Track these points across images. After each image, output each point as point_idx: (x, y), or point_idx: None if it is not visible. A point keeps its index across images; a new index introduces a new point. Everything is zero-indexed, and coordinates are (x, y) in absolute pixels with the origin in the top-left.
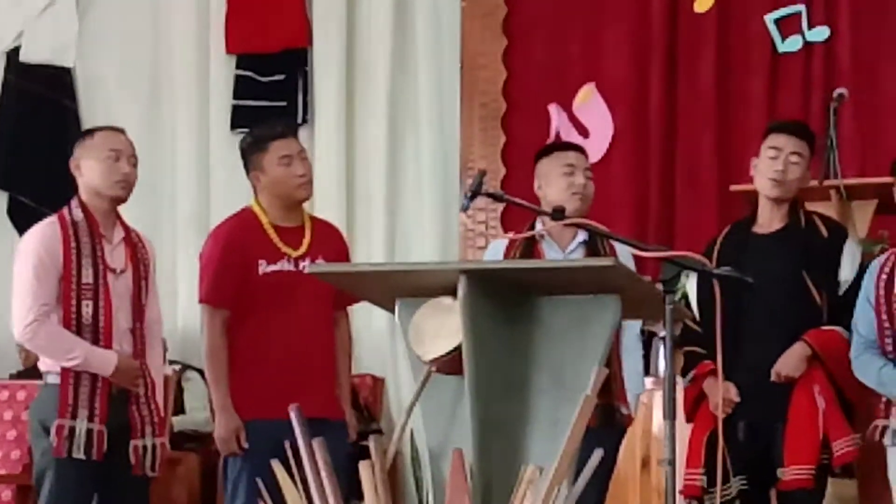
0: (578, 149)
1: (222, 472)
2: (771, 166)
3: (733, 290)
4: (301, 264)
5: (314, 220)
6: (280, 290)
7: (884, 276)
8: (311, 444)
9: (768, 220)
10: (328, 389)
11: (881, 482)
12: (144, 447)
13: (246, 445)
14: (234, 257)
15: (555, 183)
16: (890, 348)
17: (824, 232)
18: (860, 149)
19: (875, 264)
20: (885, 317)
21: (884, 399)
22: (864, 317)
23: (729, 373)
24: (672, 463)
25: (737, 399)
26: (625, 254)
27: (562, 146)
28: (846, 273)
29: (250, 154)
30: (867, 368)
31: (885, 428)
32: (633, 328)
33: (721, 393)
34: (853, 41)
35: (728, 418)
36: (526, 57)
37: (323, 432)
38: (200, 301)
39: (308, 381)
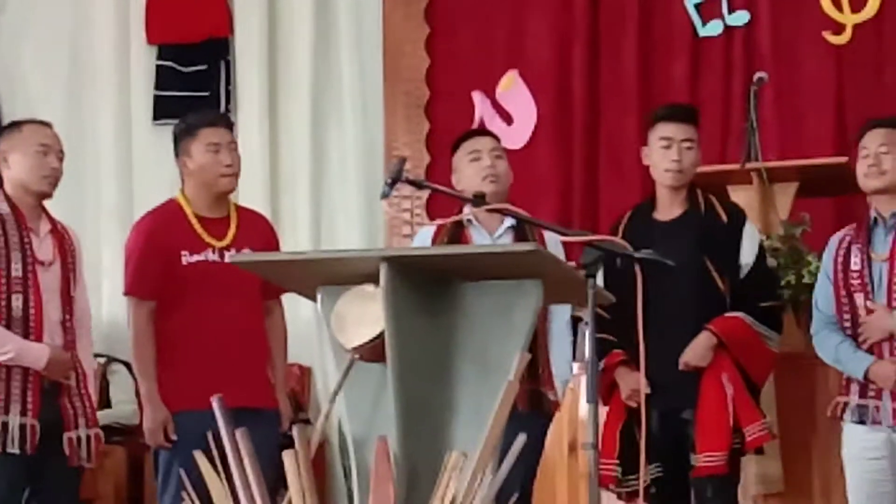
0: (484, 133)
1: (153, 465)
2: (666, 156)
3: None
4: (227, 254)
5: (241, 210)
6: (205, 281)
7: (842, 252)
8: (235, 435)
9: (668, 206)
10: (259, 379)
11: (806, 461)
12: (79, 438)
13: (174, 437)
14: (156, 248)
15: (465, 172)
16: (848, 324)
17: (724, 216)
18: (781, 132)
19: (833, 240)
20: (843, 292)
21: (844, 376)
22: (822, 293)
23: (638, 361)
24: (595, 447)
25: (647, 390)
26: (554, 239)
27: (467, 135)
28: (746, 257)
29: (181, 139)
30: (825, 345)
31: (845, 404)
32: (562, 314)
33: (640, 382)
34: (773, 25)
35: (639, 406)
36: (449, 44)
37: (254, 422)
38: (125, 293)
39: (237, 371)
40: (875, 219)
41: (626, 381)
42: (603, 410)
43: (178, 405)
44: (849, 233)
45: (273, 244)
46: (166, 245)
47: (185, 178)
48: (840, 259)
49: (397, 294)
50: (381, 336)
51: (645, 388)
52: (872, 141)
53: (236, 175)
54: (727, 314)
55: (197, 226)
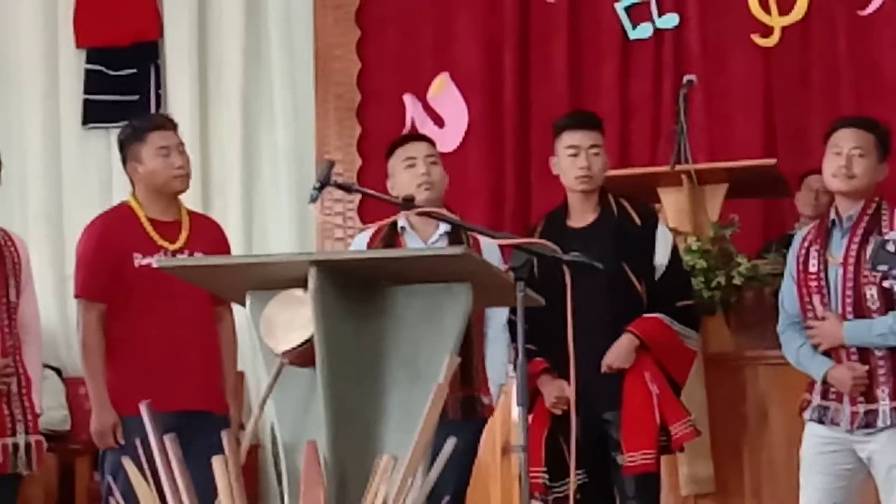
0: (419, 138)
1: (100, 466)
2: (574, 164)
3: (557, 284)
4: (178, 257)
5: (192, 214)
6: (156, 284)
7: (802, 253)
8: (163, 441)
9: (580, 212)
10: (210, 383)
11: (737, 461)
12: (16, 445)
13: (122, 440)
14: (108, 251)
15: (400, 178)
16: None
17: (637, 219)
18: (710, 133)
19: (797, 239)
20: (804, 292)
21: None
22: (787, 292)
23: (560, 368)
24: (526, 449)
25: (573, 396)
26: (491, 243)
27: (402, 140)
28: (660, 258)
29: (128, 145)
30: (788, 346)
31: (808, 402)
32: (498, 317)
33: (563, 388)
34: (702, 27)
35: (564, 414)
36: (379, 47)
37: (203, 426)
38: (76, 295)
39: (186, 375)
40: (833, 220)
41: (550, 388)
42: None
43: (127, 408)
44: (811, 232)
45: (224, 248)
46: (118, 247)
47: (135, 183)
48: (801, 259)
49: (326, 298)
50: (310, 340)
51: (572, 394)
52: (845, 141)
53: (188, 175)
54: (646, 315)
55: (149, 228)
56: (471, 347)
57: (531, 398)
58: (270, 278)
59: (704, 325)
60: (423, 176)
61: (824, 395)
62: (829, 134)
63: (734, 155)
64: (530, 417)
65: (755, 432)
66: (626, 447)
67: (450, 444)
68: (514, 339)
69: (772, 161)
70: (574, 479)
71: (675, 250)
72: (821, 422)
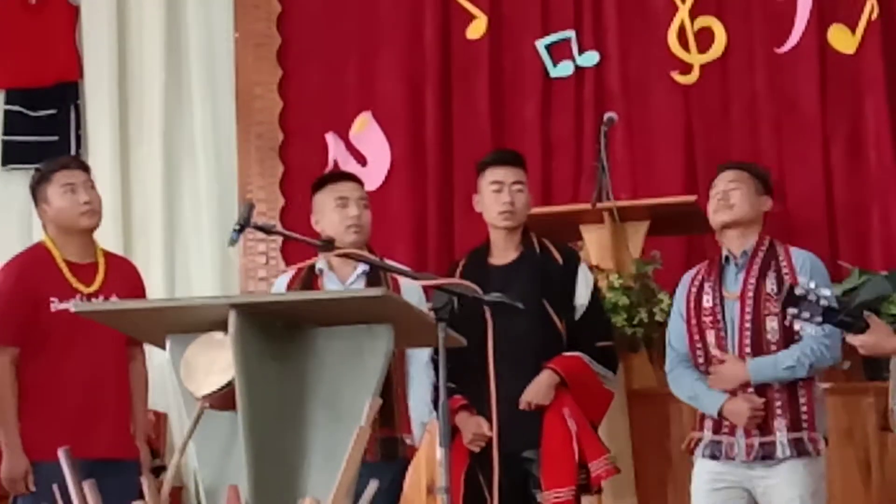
0: (351, 178)
1: None
2: (498, 200)
3: (478, 322)
4: (94, 301)
5: (109, 255)
6: (72, 328)
7: (694, 290)
8: (82, 487)
9: (503, 250)
10: (121, 428)
11: (661, 496)
12: None
13: (33, 488)
14: (23, 294)
15: (329, 216)
16: (701, 360)
17: (559, 258)
18: (632, 171)
19: (686, 278)
20: (695, 330)
21: (698, 412)
22: (675, 330)
23: (480, 405)
24: (448, 490)
25: (490, 434)
26: (411, 284)
27: (334, 178)
28: (581, 298)
29: (37, 188)
30: (680, 382)
31: (699, 440)
32: (421, 356)
33: (481, 425)
34: (622, 65)
35: (482, 451)
36: (301, 86)
37: (115, 473)
38: None
39: (100, 421)
40: (727, 257)
41: (467, 425)
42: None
43: (39, 454)
44: (701, 270)
45: (140, 291)
46: (35, 291)
47: (46, 226)
48: (692, 297)
49: (246, 341)
50: (230, 384)
51: (487, 431)
52: (722, 180)
53: (95, 212)
54: (566, 353)
55: (66, 271)
56: (391, 387)
57: (450, 435)
58: (190, 321)
59: (628, 362)
60: (355, 218)
61: (716, 430)
62: (711, 185)
63: (656, 192)
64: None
65: (679, 467)
66: (545, 484)
67: (372, 486)
68: (437, 377)
69: (692, 198)
70: None
71: (595, 291)
72: (714, 457)
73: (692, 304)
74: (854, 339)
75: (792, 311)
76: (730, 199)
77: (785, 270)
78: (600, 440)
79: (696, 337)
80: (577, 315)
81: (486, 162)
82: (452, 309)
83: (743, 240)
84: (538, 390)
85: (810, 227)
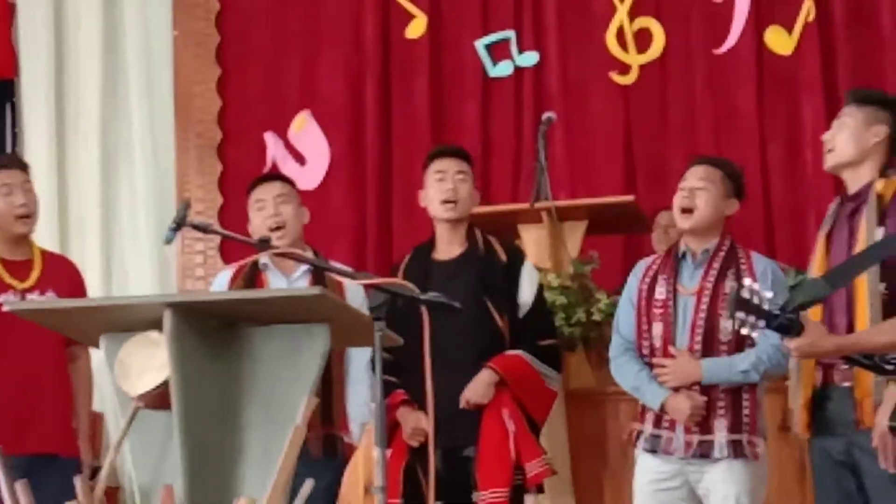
0: (270, 178)
1: None
2: (441, 188)
3: (418, 319)
4: (29, 297)
5: (46, 253)
6: (7, 324)
7: (647, 280)
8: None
9: (447, 245)
10: (60, 425)
11: (598, 496)
12: None
13: None
14: None
15: (253, 221)
16: (646, 352)
17: (503, 256)
18: (571, 170)
19: (641, 265)
20: (644, 320)
21: (640, 404)
22: (625, 318)
23: (421, 401)
24: (384, 489)
25: (430, 430)
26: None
27: (253, 184)
28: (525, 296)
29: None
30: (623, 371)
31: (639, 432)
32: (361, 355)
33: (421, 421)
34: (561, 65)
35: (422, 446)
36: (241, 85)
37: (51, 469)
38: None
39: (37, 417)
40: (684, 252)
41: (408, 420)
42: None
43: None
44: (657, 260)
45: (79, 288)
46: None
47: None
48: (645, 286)
49: (182, 340)
50: (165, 383)
51: (430, 429)
52: (692, 175)
53: (31, 215)
54: (508, 352)
55: None
56: (331, 386)
57: (391, 430)
58: (125, 321)
59: (565, 362)
60: (272, 217)
61: (657, 424)
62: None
63: (595, 192)
64: (389, 452)
65: (617, 467)
66: (480, 484)
67: (307, 486)
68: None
69: (630, 198)
70: None
71: (540, 289)
72: (653, 451)
73: (644, 294)
74: (789, 343)
75: (740, 314)
76: (694, 199)
77: (745, 274)
78: (537, 441)
79: (645, 327)
80: (521, 313)
81: (432, 155)
82: (395, 306)
83: (703, 238)
84: (477, 389)
85: (747, 228)
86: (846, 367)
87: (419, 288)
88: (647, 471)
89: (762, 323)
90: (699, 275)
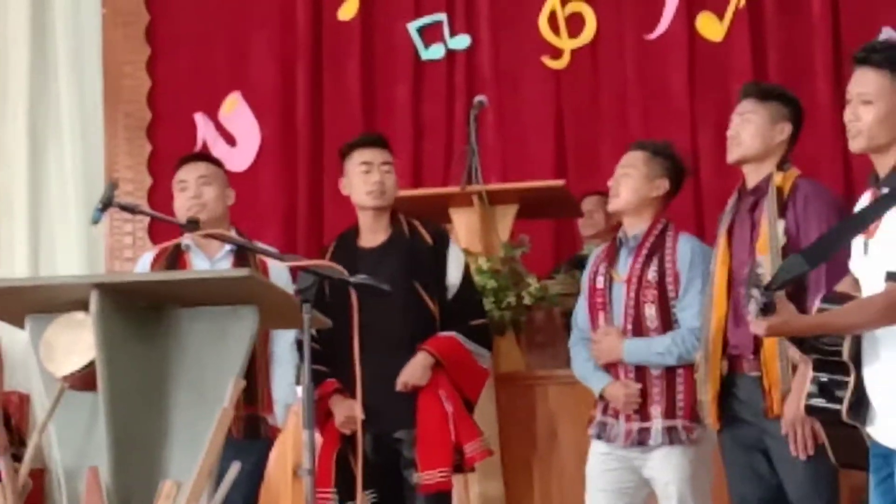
0: (193, 159)
1: None
2: (367, 180)
3: (348, 305)
4: None
5: None
6: None
7: (593, 269)
8: None
9: (372, 232)
10: None
11: (527, 480)
12: None
13: None
14: None
15: (176, 202)
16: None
17: (429, 239)
18: (503, 154)
19: (593, 255)
20: (592, 308)
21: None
22: (580, 308)
23: (352, 388)
24: (312, 472)
25: (361, 417)
26: (280, 265)
27: (177, 165)
28: (453, 277)
29: None
30: (576, 360)
31: (592, 418)
32: (285, 337)
33: (353, 408)
34: (493, 49)
35: (354, 433)
36: (171, 65)
37: None
38: None
39: None
40: (620, 239)
41: (340, 408)
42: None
43: None
44: (603, 250)
45: None
46: None
47: None
48: (592, 276)
49: (108, 321)
50: (91, 364)
51: (359, 414)
52: (621, 162)
53: None
54: (441, 334)
55: None
56: (255, 367)
57: (324, 418)
58: (51, 301)
59: (495, 345)
60: (193, 199)
61: (604, 411)
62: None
63: (526, 176)
64: (322, 439)
65: (545, 451)
66: (421, 465)
67: (234, 468)
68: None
69: (560, 182)
70: (361, 499)
71: (466, 270)
72: (600, 437)
73: (590, 285)
74: (762, 323)
75: (754, 293)
76: (618, 186)
77: (668, 259)
78: (475, 422)
79: (592, 316)
80: (450, 295)
81: (354, 144)
82: (323, 291)
83: (635, 223)
84: (414, 371)
85: (678, 213)
86: (753, 356)
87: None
88: (596, 455)
89: (763, 301)
90: (630, 261)
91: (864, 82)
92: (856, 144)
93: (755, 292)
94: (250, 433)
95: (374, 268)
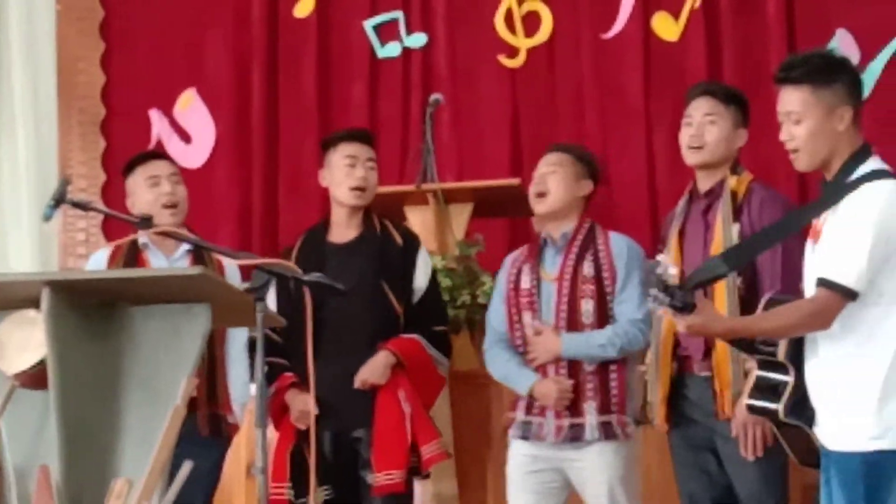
0: (161, 156)
1: None
2: (352, 175)
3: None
4: None
5: None
6: None
7: (514, 272)
8: None
9: (344, 228)
10: None
11: (480, 479)
12: None
13: None
14: None
15: (143, 197)
16: (519, 342)
17: (399, 240)
18: (459, 153)
19: (508, 260)
20: (514, 311)
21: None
22: (496, 310)
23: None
24: (265, 471)
25: (315, 412)
26: (235, 264)
27: (143, 158)
28: (420, 281)
29: None
30: (495, 361)
31: (513, 420)
32: (239, 336)
33: (308, 403)
34: (450, 47)
35: (309, 428)
36: (125, 61)
37: None
38: None
39: None
40: (545, 239)
41: (295, 403)
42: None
43: None
44: (522, 252)
45: None
46: None
47: None
48: (512, 278)
49: (60, 319)
50: (43, 362)
51: (314, 410)
52: (543, 163)
53: None
54: (404, 335)
55: None
56: (215, 365)
57: (280, 412)
58: (3, 298)
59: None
60: (169, 196)
61: (528, 411)
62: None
63: (482, 174)
64: (277, 434)
65: (499, 450)
66: (376, 466)
67: (186, 466)
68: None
69: (516, 181)
70: (314, 495)
71: (434, 275)
72: (525, 438)
73: (511, 286)
74: (681, 321)
75: (654, 292)
76: (546, 184)
77: (602, 255)
78: (433, 424)
79: (515, 317)
80: (415, 298)
81: (340, 136)
82: (287, 287)
83: (561, 223)
84: (374, 369)
85: (633, 213)
86: (703, 359)
87: (313, 270)
88: (519, 457)
89: (668, 300)
90: (559, 260)
91: (789, 101)
92: (800, 164)
93: (655, 292)
94: (213, 431)
95: (342, 264)
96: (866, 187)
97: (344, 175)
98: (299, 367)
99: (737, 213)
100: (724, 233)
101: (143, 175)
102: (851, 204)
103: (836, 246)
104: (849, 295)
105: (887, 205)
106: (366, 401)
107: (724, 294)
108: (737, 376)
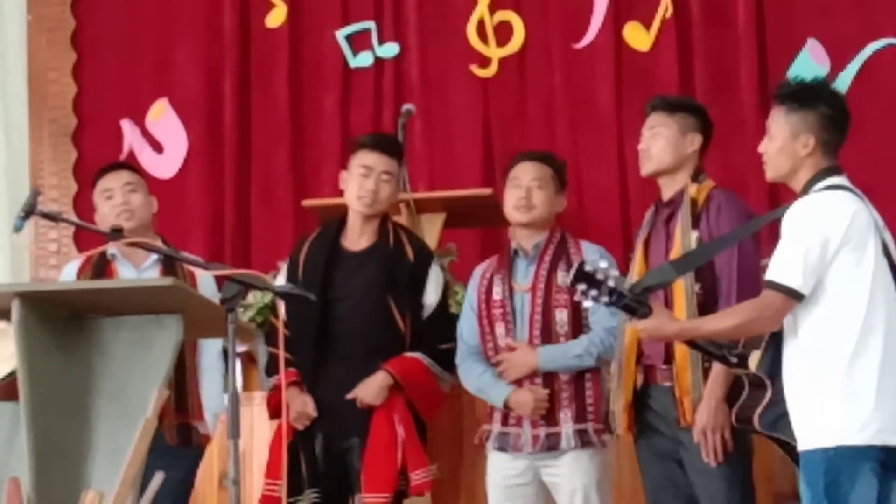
0: (117, 167)
1: None
2: (363, 185)
3: (312, 306)
4: None
5: None
6: None
7: (484, 283)
8: None
9: (357, 235)
10: None
11: (454, 491)
12: None
13: None
14: None
15: (101, 210)
16: (491, 353)
17: (410, 254)
18: (431, 163)
19: (477, 272)
20: (486, 322)
21: (489, 405)
22: (467, 323)
23: (311, 386)
24: (237, 482)
25: (314, 414)
26: (207, 274)
27: (99, 173)
28: (430, 297)
29: None
30: (468, 374)
31: (489, 432)
32: (212, 346)
33: (307, 405)
34: (422, 57)
35: (307, 430)
36: (97, 71)
37: None
38: None
39: None
40: (516, 250)
41: (294, 402)
42: (264, 440)
43: None
44: (492, 264)
45: None
46: None
47: None
48: (483, 289)
49: (30, 330)
50: (13, 374)
51: (312, 412)
52: (525, 173)
53: None
54: (406, 354)
55: None
56: (185, 376)
57: (279, 407)
58: None
59: None
60: (122, 206)
61: (504, 422)
62: (509, 168)
63: (454, 184)
64: (274, 429)
65: (472, 462)
66: (365, 487)
67: (158, 478)
68: (271, 343)
69: (488, 191)
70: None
71: (445, 292)
72: (503, 449)
73: (482, 297)
74: (637, 324)
75: (581, 286)
76: (532, 198)
77: (575, 263)
78: (424, 450)
79: (487, 329)
80: (425, 314)
81: (363, 143)
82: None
83: (534, 234)
84: (370, 390)
85: (604, 223)
86: (666, 367)
87: (319, 275)
88: (498, 468)
89: (605, 298)
90: (532, 270)
91: (770, 117)
92: (767, 175)
93: (581, 287)
94: (182, 441)
95: (350, 273)
96: (811, 195)
97: (357, 185)
98: (301, 366)
99: (696, 221)
100: (683, 241)
101: (100, 189)
102: (794, 210)
103: (780, 249)
104: (793, 295)
105: (825, 210)
106: (362, 411)
107: (682, 299)
108: (697, 383)
